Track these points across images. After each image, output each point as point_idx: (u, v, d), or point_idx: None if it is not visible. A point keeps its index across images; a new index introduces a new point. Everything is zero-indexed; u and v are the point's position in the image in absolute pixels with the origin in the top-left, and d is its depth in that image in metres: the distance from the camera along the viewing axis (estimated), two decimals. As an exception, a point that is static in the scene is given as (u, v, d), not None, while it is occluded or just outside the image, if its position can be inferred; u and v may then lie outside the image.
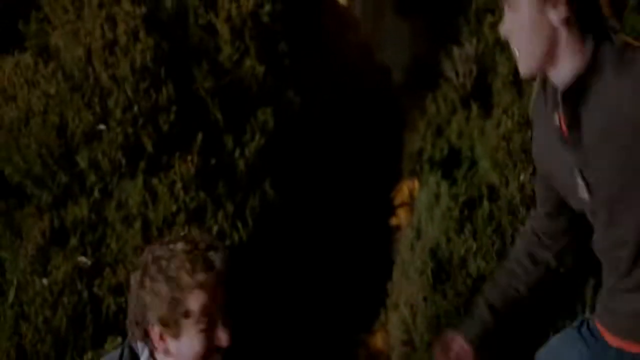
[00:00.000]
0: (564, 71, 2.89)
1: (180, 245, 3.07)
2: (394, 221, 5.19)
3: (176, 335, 3.06)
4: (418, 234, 4.62)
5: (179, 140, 4.70)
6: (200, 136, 4.70)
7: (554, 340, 3.37)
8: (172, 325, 3.04)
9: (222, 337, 3.09)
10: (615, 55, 2.84)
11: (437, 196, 4.64)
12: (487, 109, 4.88)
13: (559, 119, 2.96)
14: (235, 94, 4.87)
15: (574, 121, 2.91)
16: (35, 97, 4.67)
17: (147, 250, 3.13)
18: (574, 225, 3.27)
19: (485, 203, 4.50)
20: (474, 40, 5.15)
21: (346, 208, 5.03)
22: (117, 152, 4.60)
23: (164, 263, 3.04)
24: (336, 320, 5.01)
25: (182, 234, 3.90)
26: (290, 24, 5.05)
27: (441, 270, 4.43)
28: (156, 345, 3.07)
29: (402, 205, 5.13)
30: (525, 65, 2.93)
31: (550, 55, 2.89)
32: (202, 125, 4.76)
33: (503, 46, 5.03)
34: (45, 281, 4.22)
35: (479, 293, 3.45)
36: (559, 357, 3.30)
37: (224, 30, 4.93)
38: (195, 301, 3.03)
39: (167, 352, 3.08)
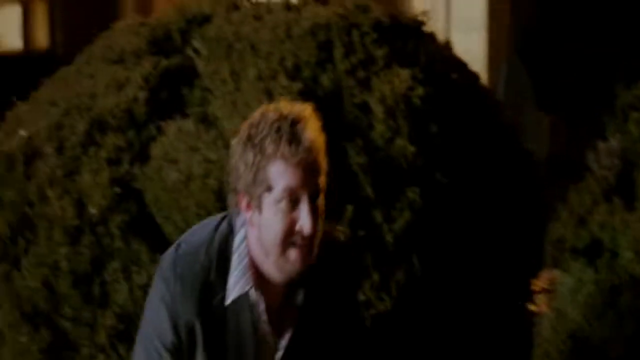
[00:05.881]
0: None
1: (271, 115, 3.03)
2: (532, 307, 5.18)
3: (258, 208, 3.03)
4: (560, 316, 4.65)
5: (330, 210, 4.75)
6: (350, 208, 4.76)
7: None
8: (254, 197, 3.01)
9: (305, 224, 3.04)
10: None
11: (581, 282, 4.66)
12: (630, 203, 4.89)
13: None
14: (385, 171, 4.93)
15: None
16: (196, 161, 4.79)
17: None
18: None
19: (627, 293, 4.52)
20: (618, 135, 5.17)
21: (486, 290, 5.02)
22: (269, 217, 4.67)
23: (253, 131, 3.02)
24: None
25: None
26: (441, 107, 5.10)
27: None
28: (244, 213, 3.06)
29: (541, 291, 5.12)
30: None
31: None
32: (353, 198, 4.83)
33: (648, 143, 5.08)
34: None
35: None
36: None
37: (377, 109, 4.99)
38: (277, 173, 3.00)
39: (252, 222, 3.07)
